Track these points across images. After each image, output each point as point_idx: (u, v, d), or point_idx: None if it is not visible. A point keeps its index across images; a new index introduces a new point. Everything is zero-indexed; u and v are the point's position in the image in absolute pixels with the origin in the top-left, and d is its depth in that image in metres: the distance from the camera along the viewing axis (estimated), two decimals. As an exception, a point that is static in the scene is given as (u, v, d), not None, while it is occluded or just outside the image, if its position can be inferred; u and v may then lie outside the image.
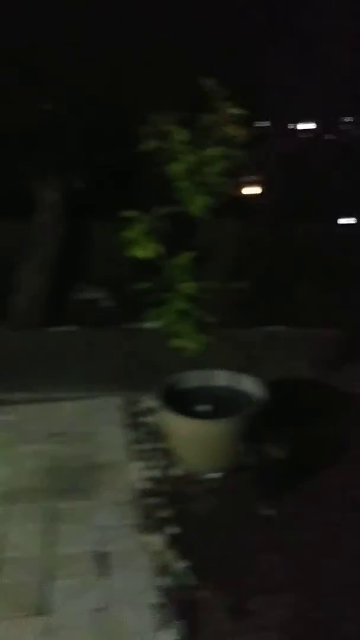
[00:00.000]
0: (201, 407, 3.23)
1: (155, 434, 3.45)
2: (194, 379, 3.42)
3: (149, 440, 3.43)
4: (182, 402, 3.21)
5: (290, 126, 7.38)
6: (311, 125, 7.59)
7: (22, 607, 2.33)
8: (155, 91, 4.90)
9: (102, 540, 2.68)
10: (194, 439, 3.10)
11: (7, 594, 2.39)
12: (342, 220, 6.04)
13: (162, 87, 5.07)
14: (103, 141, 6.16)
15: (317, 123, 7.43)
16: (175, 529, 2.74)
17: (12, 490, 3.00)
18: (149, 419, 3.62)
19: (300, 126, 7.66)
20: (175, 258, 3.12)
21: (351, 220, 5.99)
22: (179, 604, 2.35)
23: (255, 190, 6.35)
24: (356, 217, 5.97)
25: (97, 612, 2.31)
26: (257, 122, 5.72)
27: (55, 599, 2.38)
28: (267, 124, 6.59)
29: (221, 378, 3.43)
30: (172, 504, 2.91)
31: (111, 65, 5.84)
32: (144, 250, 3.00)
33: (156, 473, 3.13)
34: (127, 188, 6.06)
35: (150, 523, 2.78)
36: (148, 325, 4.72)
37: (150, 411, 3.68)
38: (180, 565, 2.54)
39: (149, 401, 3.75)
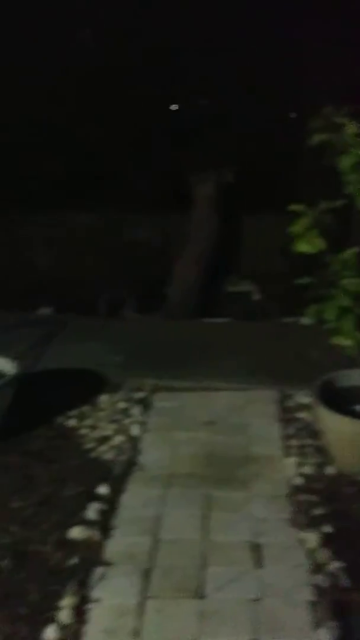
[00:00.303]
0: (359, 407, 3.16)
1: (310, 430, 3.42)
2: (353, 377, 3.35)
3: (302, 436, 3.40)
4: (339, 400, 3.16)
5: None
6: None
7: (179, 589, 2.40)
8: (327, 83, 4.82)
9: (256, 532, 2.70)
10: (352, 439, 3.04)
11: (165, 574, 2.47)
12: None
13: (333, 79, 4.97)
14: (260, 135, 6.14)
15: None
16: (329, 528, 2.70)
17: (169, 475, 3.10)
18: (303, 414, 3.59)
19: None
20: (340, 253, 3.06)
21: None
22: (333, 605, 2.32)
23: None
24: None
25: (252, 603, 2.33)
26: None
27: (210, 584, 2.43)
28: None
29: (381, 378, 3.33)
30: (327, 502, 2.87)
31: (275, 56, 5.81)
32: (309, 245, 2.97)
33: (310, 470, 3.10)
34: (284, 181, 6.02)
35: (304, 519, 2.76)
36: (305, 320, 4.68)
37: (304, 407, 3.65)
38: (335, 565, 2.51)
39: (303, 397, 3.71)
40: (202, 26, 5.95)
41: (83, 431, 3.46)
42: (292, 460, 3.17)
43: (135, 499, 2.92)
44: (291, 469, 3.11)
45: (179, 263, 6.26)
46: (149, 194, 6.48)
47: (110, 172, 6.51)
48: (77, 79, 6.30)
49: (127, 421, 3.56)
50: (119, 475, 3.07)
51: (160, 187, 6.48)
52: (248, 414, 3.65)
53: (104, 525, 2.74)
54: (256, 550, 2.59)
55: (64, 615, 2.28)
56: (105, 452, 3.26)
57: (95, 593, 2.39)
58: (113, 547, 2.62)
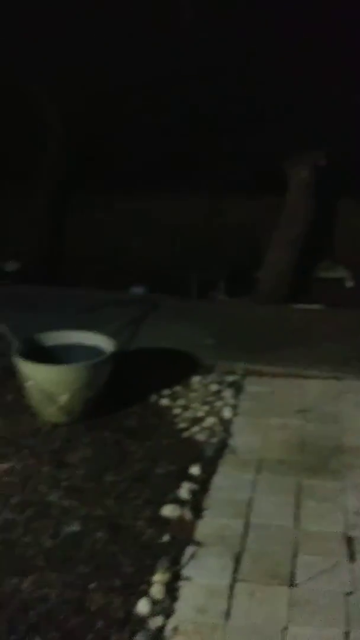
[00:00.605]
0: None
1: None
2: None
3: None
4: None
5: None
6: None
7: (270, 575, 2.40)
8: None
9: (349, 524, 2.65)
10: None
11: (256, 559, 2.47)
12: None
13: None
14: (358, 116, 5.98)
15: None
16: None
17: (260, 459, 3.09)
18: None
19: None
20: None
21: None
22: None
23: None
24: None
25: (345, 596, 2.29)
26: None
27: (301, 573, 2.41)
28: None
29: None
30: None
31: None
32: None
33: None
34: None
35: None
36: None
37: None
38: None
39: None
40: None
41: (176, 411, 3.49)
42: (387, 454, 3.09)
43: (226, 481, 2.93)
44: (386, 462, 3.04)
45: (271, 247, 6.19)
46: (243, 176, 6.44)
47: (205, 155, 6.50)
48: (175, 62, 6.31)
49: (219, 403, 3.56)
50: (210, 457, 3.09)
51: (255, 170, 6.43)
52: (342, 403, 3.58)
53: (196, 505, 2.76)
54: (348, 542, 2.55)
55: (156, 590, 2.32)
56: (197, 433, 3.29)
57: (186, 571, 2.42)
58: (204, 528, 2.64)
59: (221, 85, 6.29)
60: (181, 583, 2.37)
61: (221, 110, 6.40)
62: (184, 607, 2.27)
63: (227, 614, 2.23)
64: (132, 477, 2.94)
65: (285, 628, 2.18)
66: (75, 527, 2.64)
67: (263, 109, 6.30)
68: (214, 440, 3.23)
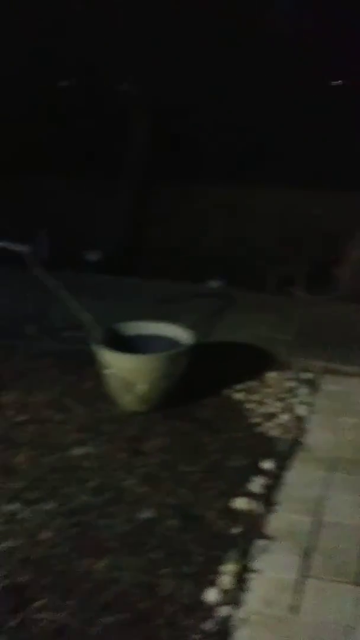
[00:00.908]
0: None
1: None
2: None
3: None
4: None
5: None
6: None
7: (339, 573, 2.40)
8: None
9: None
10: None
11: (326, 556, 2.48)
12: None
13: None
14: None
15: None
16: None
17: (333, 458, 3.08)
18: None
19: None
20: None
21: None
22: None
23: None
24: None
25: None
26: None
27: (371, 573, 2.41)
28: None
29: None
30: None
31: None
32: None
33: None
34: None
35: None
36: None
37: None
38: None
39: None
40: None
41: (250, 405, 3.52)
42: None
43: (299, 478, 2.94)
44: None
45: (352, 244, 6.10)
46: (327, 172, 6.37)
47: (288, 148, 6.47)
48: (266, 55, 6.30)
49: (293, 400, 3.57)
50: (284, 453, 3.10)
51: (339, 166, 6.35)
52: None
53: (268, 499, 2.78)
54: None
55: (226, 580, 2.36)
56: (271, 429, 3.30)
57: (256, 564, 2.45)
58: (275, 523, 2.67)
59: (309, 75, 6.24)
60: (251, 575, 2.40)
61: (309, 103, 6.35)
62: (252, 598, 2.30)
63: (296, 609, 2.25)
64: (206, 468, 2.99)
65: (352, 627, 2.18)
66: (148, 513, 2.71)
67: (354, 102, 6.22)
68: (288, 436, 3.24)
